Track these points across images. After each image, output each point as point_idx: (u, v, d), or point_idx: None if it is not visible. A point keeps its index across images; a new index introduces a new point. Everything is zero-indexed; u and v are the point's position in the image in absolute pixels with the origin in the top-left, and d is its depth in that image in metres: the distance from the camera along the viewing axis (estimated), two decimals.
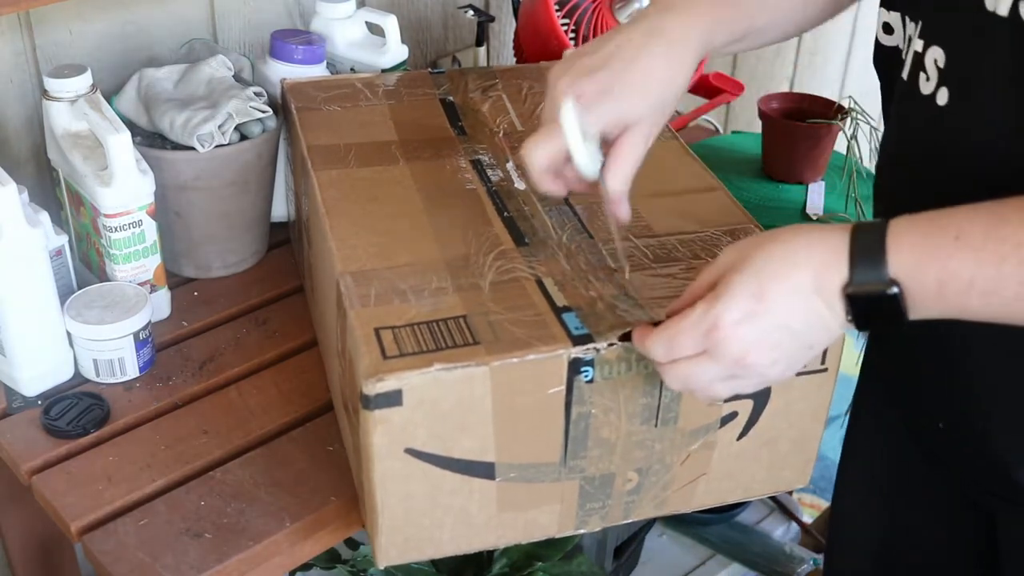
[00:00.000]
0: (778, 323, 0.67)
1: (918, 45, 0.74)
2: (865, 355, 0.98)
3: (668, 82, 0.78)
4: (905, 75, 0.76)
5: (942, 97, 0.71)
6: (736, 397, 0.80)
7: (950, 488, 0.89)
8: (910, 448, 0.91)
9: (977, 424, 0.80)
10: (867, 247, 0.64)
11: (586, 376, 0.75)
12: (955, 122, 0.71)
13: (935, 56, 0.72)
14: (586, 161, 0.76)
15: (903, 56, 0.78)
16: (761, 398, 0.81)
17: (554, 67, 0.80)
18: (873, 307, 0.65)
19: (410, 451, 0.74)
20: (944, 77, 0.71)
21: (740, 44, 0.85)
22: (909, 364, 0.86)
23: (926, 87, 0.73)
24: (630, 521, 0.85)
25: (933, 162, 0.74)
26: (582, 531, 0.84)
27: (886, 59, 0.82)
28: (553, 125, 0.77)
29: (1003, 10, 0.66)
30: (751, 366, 0.68)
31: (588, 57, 0.78)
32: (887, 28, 0.81)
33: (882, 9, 0.82)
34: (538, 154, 0.78)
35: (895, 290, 0.63)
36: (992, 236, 0.61)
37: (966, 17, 0.69)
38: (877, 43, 0.83)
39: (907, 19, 0.78)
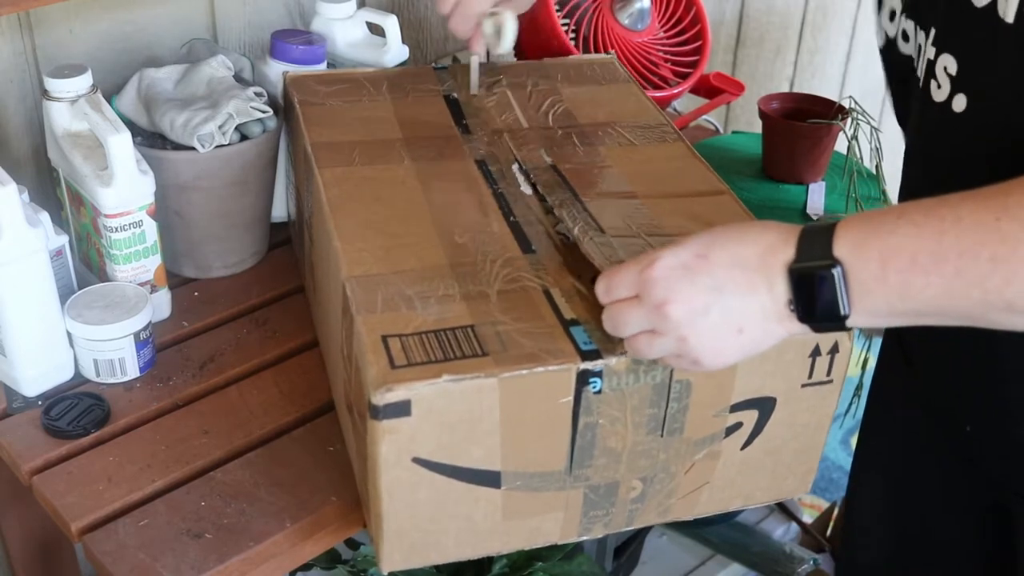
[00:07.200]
0: (712, 285, 0.67)
1: (931, 53, 0.75)
2: (882, 350, 0.99)
3: None
4: (920, 83, 0.78)
5: (959, 104, 0.72)
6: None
7: (966, 483, 0.90)
8: (926, 442, 0.92)
9: (1006, 424, 0.80)
10: (815, 231, 0.66)
11: (594, 387, 0.74)
12: (973, 128, 0.72)
13: (945, 64, 0.73)
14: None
15: (915, 64, 0.80)
16: (766, 408, 0.81)
17: None
18: (814, 287, 0.65)
19: (417, 460, 0.73)
20: (957, 84, 0.72)
21: None
22: (937, 367, 0.87)
23: (938, 94, 0.75)
24: (633, 528, 0.85)
25: (953, 168, 0.75)
26: (585, 538, 0.84)
27: (899, 65, 0.83)
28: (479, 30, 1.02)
29: (1010, 17, 0.67)
30: (669, 317, 0.68)
31: None
32: (904, 36, 0.82)
33: (900, 17, 0.83)
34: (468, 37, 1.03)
35: (837, 269, 0.64)
36: (933, 214, 0.63)
37: (979, 24, 0.70)
38: (892, 49, 0.84)
39: (918, 28, 0.79)
